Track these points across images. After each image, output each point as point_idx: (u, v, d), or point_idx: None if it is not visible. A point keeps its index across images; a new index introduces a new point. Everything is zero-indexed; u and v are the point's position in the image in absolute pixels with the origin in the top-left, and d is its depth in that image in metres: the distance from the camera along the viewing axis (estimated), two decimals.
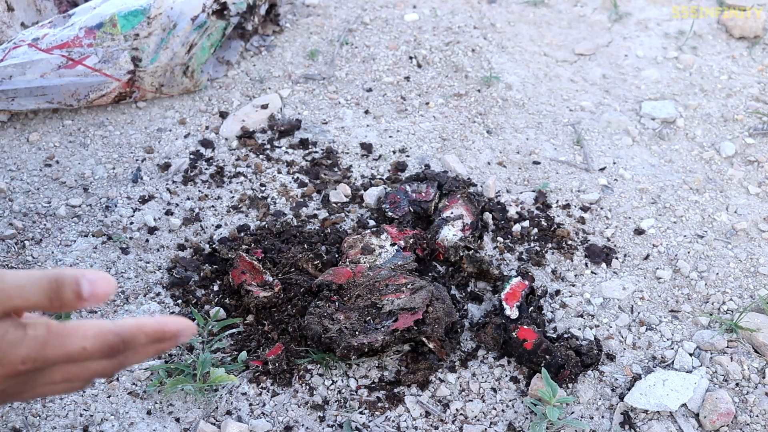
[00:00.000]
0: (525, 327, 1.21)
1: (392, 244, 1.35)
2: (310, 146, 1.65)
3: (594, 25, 2.12)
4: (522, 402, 1.17)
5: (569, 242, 1.44)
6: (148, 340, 0.54)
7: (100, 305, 0.51)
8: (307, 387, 1.18)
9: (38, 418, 1.12)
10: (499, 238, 1.44)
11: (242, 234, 1.42)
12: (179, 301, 1.31)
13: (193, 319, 1.25)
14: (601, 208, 1.53)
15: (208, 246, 1.41)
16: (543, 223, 1.47)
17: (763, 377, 1.21)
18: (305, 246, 1.38)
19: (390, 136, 1.69)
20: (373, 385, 1.19)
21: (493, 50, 1.97)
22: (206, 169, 1.58)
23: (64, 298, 0.50)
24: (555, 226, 1.47)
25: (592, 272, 1.39)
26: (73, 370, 0.53)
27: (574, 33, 2.08)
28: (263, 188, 1.54)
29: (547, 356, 1.17)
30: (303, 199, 1.52)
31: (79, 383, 0.55)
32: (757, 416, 1.15)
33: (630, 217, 1.51)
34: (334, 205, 1.50)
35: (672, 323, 1.30)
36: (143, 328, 0.53)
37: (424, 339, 1.18)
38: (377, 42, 1.98)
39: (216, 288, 1.33)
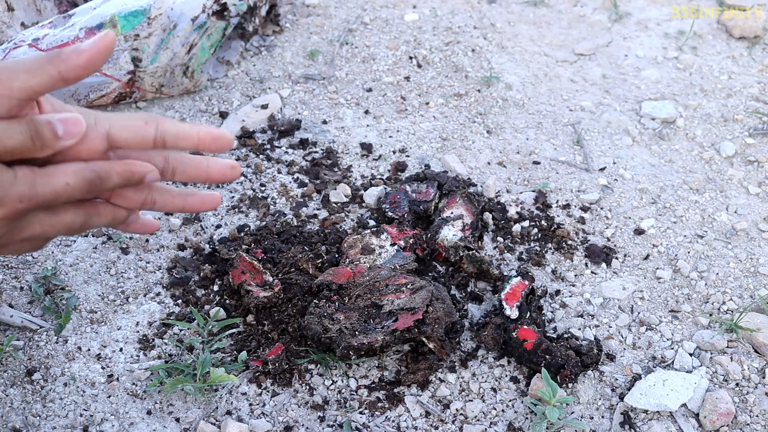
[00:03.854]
0: (525, 327, 1.21)
1: (392, 244, 1.35)
2: (310, 146, 1.65)
3: (594, 25, 2.12)
4: (522, 402, 1.17)
5: (569, 242, 1.44)
6: (120, 179, 0.60)
7: (72, 141, 0.57)
8: (307, 387, 1.18)
9: (38, 418, 1.12)
10: (499, 238, 1.44)
11: (242, 234, 1.42)
12: (179, 301, 1.31)
13: (193, 319, 1.25)
14: (601, 208, 1.53)
15: (208, 246, 1.41)
16: (543, 223, 1.48)
17: (763, 377, 1.21)
18: (305, 246, 1.38)
19: (390, 136, 1.69)
20: (373, 385, 1.19)
21: (493, 50, 1.97)
22: None
23: (44, 138, 0.56)
24: (555, 226, 1.47)
25: (592, 272, 1.39)
26: (50, 220, 0.59)
27: (574, 33, 2.08)
28: (263, 188, 1.54)
29: (547, 356, 1.17)
30: (303, 199, 1.52)
31: (46, 238, 0.61)
32: (757, 416, 1.15)
33: (630, 217, 1.51)
34: (334, 205, 1.50)
35: (672, 323, 1.30)
36: (114, 166, 0.60)
37: (424, 339, 1.18)
38: (377, 42, 1.98)
39: (216, 288, 1.33)
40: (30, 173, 0.56)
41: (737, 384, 1.20)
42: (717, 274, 1.39)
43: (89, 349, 1.22)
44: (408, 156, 1.64)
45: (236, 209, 1.49)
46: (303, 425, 1.13)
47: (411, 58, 1.93)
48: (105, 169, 0.59)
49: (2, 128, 0.55)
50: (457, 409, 1.16)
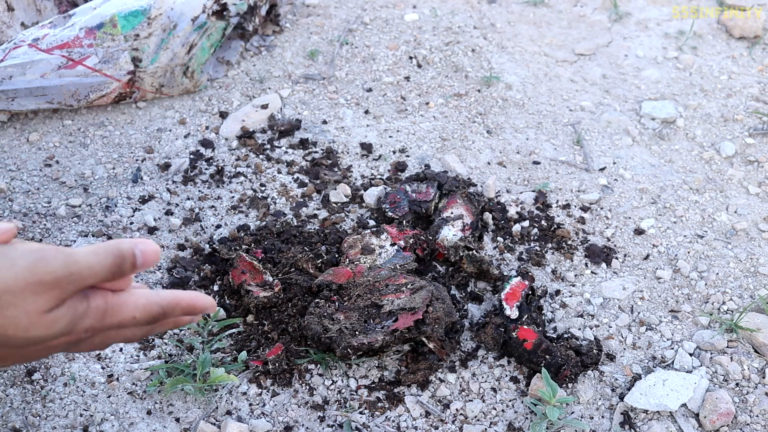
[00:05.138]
0: (525, 327, 1.21)
1: (392, 244, 1.35)
2: (310, 146, 1.65)
3: (594, 25, 2.12)
4: (522, 402, 1.17)
5: (569, 242, 1.44)
6: (182, 313, 0.63)
7: (146, 267, 0.60)
8: (307, 387, 1.18)
9: (38, 418, 1.12)
10: (499, 238, 1.44)
11: (242, 234, 1.42)
12: None
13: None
14: (601, 208, 1.53)
15: (208, 246, 1.41)
16: (543, 223, 1.48)
17: (763, 377, 1.21)
18: (305, 246, 1.38)
19: (390, 136, 1.69)
20: (373, 385, 1.19)
21: (493, 50, 1.97)
22: (206, 169, 1.58)
23: (125, 271, 0.58)
24: (555, 226, 1.47)
25: (592, 272, 1.39)
26: (112, 335, 0.61)
27: (574, 33, 2.08)
28: (263, 188, 1.54)
29: (547, 356, 1.17)
30: (303, 199, 1.52)
31: (107, 345, 0.63)
32: (757, 416, 1.15)
33: (630, 217, 1.51)
34: (334, 205, 1.50)
35: (672, 323, 1.30)
36: (180, 302, 0.62)
37: (424, 339, 1.18)
38: (377, 42, 1.98)
39: (216, 288, 1.33)
40: (103, 304, 0.58)
41: (737, 384, 1.20)
42: (717, 274, 1.39)
43: None
44: (408, 156, 1.64)
45: (236, 209, 1.49)
46: (303, 425, 1.13)
47: (411, 58, 1.93)
48: (171, 305, 0.62)
49: (91, 264, 0.56)
50: (457, 409, 1.16)
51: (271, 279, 1.29)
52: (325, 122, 1.72)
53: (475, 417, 1.15)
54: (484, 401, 1.17)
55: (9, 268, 0.53)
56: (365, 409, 1.15)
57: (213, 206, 1.50)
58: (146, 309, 0.60)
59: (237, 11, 1.82)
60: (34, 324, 0.54)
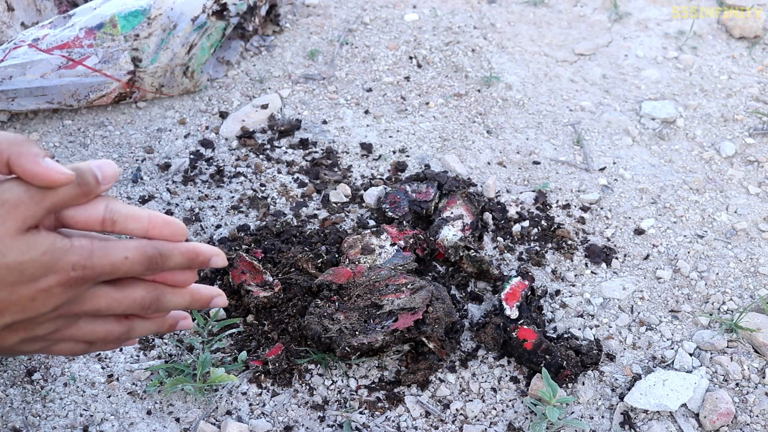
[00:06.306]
0: (525, 327, 1.21)
1: (392, 244, 1.35)
2: (310, 146, 1.65)
3: (594, 25, 2.12)
4: (522, 402, 1.17)
5: (569, 242, 1.44)
6: (183, 259, 0.59)
7: (109, 186, 0.59)
8: (307, 387, 1.18)
9: (38, 418, 1.12)
10: (499, 238, 1.44)
11: (242, 234, 1.42)
12: None
13: (194, 319, 1.25)
14: (601, 208, 1.53)
15: None
16: (543, 223, 1.48)
17: (763, 377, 1.21)
18: (305, 246, 1.38)
19: (390, 136, 1.69)
20: (373, 385, 1.19)
21: (493, 50, 1.97)
22: (206, 169, 1.58)
23: (89, 183, 0.57)
24: (555, 226, 1.47)
25: (592, 272, 1.39)
26: (116, 295, 0.58)
27: (574, 33, 2.08)
28: (263, 188, 1.54)
29: (547, 356, 1.17)
30: (303, 199, 1.52)
31: (120, 326, 0.61)
32: (757, 416, 1.15)
33: (630, 217, 1.51)
34: (334, 205, 1.50)
35: (672, 323, 1.30)
36: (178, 246, 0.59)
37: (424, 339, 1.18)
38: (377, 42, 1.99)
39: None
40: (88, 243, 0.56)
41: (737, 384, 1.20)
42: (717, 274, 1.39)
43: None
44: (408, 156, 1.64)
45: (236, 209, 1.49)
46: (303, 425, 1.13)
47: (411, 58, 1.93)
48: (168, 247, 0.59)
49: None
50: (457, 409, 1.16)
51: (271, 279, 1.29)
52: (325, 122, 1.72)
53: (475, 417, 1.15)
54: (484, 401, 1.17)
55: None
56: (365, 409, 1.15)
57: (213, 206, 1.50)
58: (138, 249, 0.57)
59: (237, 11, 1.82)
60: (8, 246, 0.53)
